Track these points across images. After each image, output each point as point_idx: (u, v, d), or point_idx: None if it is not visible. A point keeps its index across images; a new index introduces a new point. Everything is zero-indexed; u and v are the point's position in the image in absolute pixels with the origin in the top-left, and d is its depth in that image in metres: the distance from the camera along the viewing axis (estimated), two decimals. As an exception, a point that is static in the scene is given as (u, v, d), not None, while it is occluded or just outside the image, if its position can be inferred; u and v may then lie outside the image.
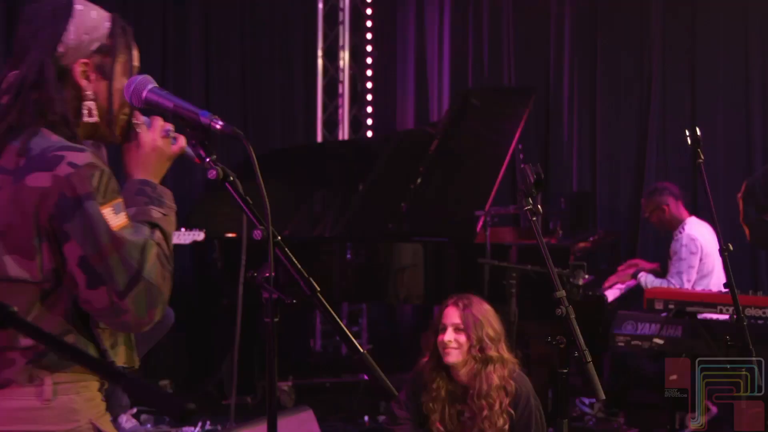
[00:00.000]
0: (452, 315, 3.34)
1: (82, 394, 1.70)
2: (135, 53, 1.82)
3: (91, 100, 1.74)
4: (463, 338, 3.30)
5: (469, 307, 3.33)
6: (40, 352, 1.64)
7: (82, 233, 1.60)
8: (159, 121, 1.82)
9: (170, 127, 1.83)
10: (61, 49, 1.70)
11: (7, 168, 1.64)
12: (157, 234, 1.71)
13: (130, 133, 1.81)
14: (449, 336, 3.30)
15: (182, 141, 1.82)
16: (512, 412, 3.24)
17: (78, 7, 1.73)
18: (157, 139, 1.81)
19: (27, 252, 1.62)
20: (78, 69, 1.73)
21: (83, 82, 1.73)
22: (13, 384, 1.65)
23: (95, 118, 1.76)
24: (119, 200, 1.67)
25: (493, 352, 3.28)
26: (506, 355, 3.32)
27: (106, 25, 1.75)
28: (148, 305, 1.65)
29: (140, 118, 1.83)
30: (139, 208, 1.73)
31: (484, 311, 3.36)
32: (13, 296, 1.61)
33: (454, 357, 3.30)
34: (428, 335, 3.42)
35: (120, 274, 1.62)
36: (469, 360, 3.30)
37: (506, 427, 3.23)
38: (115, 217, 1.63)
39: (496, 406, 3.22)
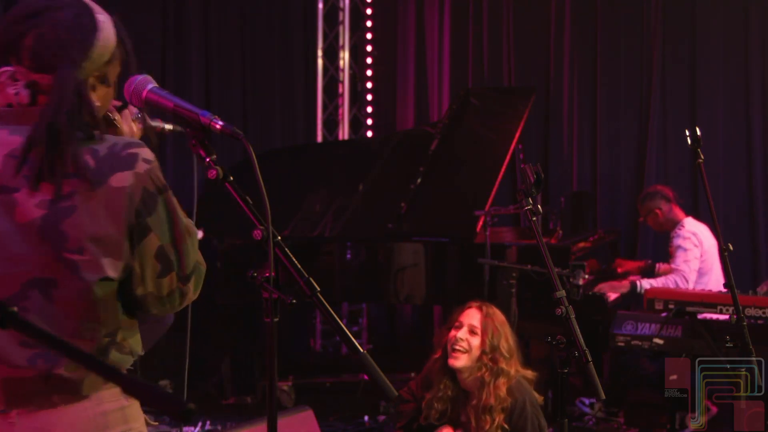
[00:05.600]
0: (472, 316, 3.32)
1: None
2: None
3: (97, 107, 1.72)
4: (476, 342, 3.28)
5: (492, 316, 3.32)
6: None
7: (163, 224, 1.65)
8: (129, 109, 1.85)
9: (135, 110, 1.86)
10: (85, 63, 1.66)
11: (76, 173, 1.60)
12: None
13: (108, 126, 1.80)
14: (462, 334, 3.28)
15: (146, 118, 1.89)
16: (506, 427, 3.22)
17: (99, 17, 1.69)
18: (134, 127, 1.86)
19: (117, 253, 1.63)
20: (90, 81, 1.70)
21: (91, 94, 1.70)
22: (99, 389, 1.66)
23: None
24: None
25: (504, 365, 3.25)
26: (513, 371, 3.28)
27: (113, 33, 1.71)
28: (198, 285, 1.74)
29: (113, 111, 1.83)
30: None
31: (504, 324, 3.35)
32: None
33: (460, 362, 3.28)
34: (442, 332, 3.41)
35: (189, 258, 1.69)
36: (479, 367, 3.27)
37: None
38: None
39: (497, 422, 3.21)
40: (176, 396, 1.16)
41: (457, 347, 3.28)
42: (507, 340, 3.31)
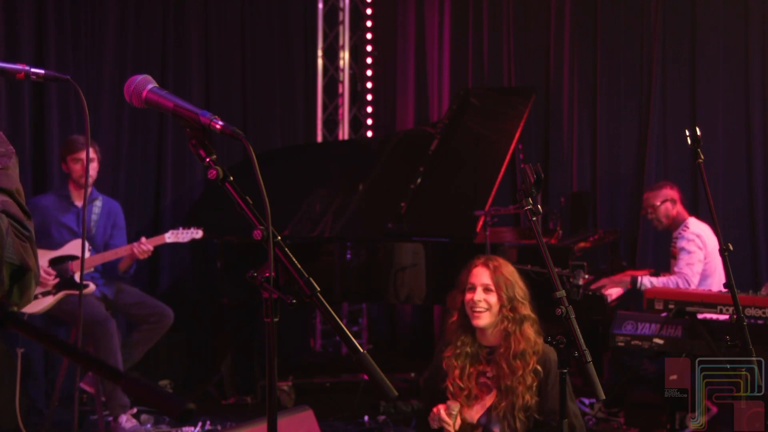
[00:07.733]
0: (482, 275, 3.32)
1: None
2: None
3: None
4: (493, 299, 3.27)
5: (499, 268, 3.32)
6: None
7: None
8: None
9: None
10: None
11: None
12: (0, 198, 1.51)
13: None
14: (479, 296, 3.27)
15: None
16: (540, 369, 3.22)
17: None
18: None
19: None
20: None
21: None
22: None
23: None
24: None
25: (524, 311, 3.27)
26: (533, 314, 3.30)
27: None
28: (23, 290, 1.49)
29: None
30: None
31: (513, 272, 3.36)
32: None
33: (484, 320, 3.27)
34: (454, 294, 3.39)
35: None
36: (501, 320, 3.27)
37: (534, 384, 3.20)
38: None
39: (531, 365, 3.21)
40: (176, 396, 1.16)
41: (477, 309, 3.27)
42: (520, 287, 3.32)
